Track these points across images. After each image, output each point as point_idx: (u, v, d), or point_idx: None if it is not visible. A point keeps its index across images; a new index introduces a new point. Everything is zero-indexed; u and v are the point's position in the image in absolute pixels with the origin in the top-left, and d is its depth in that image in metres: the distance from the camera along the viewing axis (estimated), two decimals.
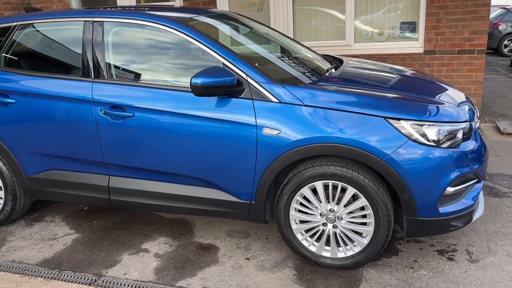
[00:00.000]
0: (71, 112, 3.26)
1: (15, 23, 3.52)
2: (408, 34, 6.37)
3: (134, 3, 7.42)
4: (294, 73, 3.19)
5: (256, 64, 3.05)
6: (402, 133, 2.66)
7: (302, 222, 3.00)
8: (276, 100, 2.85)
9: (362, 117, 2.71)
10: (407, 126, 2.67)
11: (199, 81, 2.77)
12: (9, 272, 3.15)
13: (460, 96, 3.26)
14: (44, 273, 3.11)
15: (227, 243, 3.39)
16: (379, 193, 2.75)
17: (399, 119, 2.69)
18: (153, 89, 3.10)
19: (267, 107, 2.86)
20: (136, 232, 3.62)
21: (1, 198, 3.71)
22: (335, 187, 2.84)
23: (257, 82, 2.91)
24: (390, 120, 2.69)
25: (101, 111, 3.17)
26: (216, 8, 6.96)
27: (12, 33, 3.51)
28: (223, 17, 3.75)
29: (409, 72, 3.83)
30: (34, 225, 3.83)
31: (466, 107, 3.06)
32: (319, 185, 2.85)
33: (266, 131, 2.84)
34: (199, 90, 2.79)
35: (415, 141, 2.66)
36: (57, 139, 3.35)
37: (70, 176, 3.45)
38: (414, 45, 6.33)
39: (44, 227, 3.79)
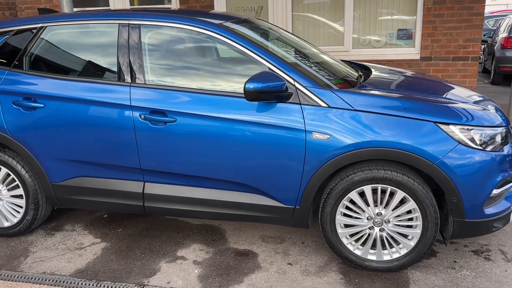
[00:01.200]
0: (106, 117, 3.16)
1: (41, 25, 3.39)
2: (405, 41, 6.55)
3: (128, 5, 7.28)
4: (334, 79, 3.21)
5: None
6: (452, 138, 2.73)
7: (347, 226, 3.02)
8: (325, 105, 2.87)
9: (412, 122, 2.77)
10: (456, 131, 2.75)
11: (252, 86, 2.76)
12: (42, 284, 3.02)
13: (489, 102, 3.38)
14: (81, 284, 2.99)
15: (264, 249, 3.37)
16: (428, 196, 2.81)
17: (448, 124, 2.76)
18: (196, 94, 3.05)
19: (316, 112, 2.87)
20: (166, 240, 3.54)
21: (21, 207, 3.55)
22: (382, 191, 2.88)
23: (304, 87, 2.92)
24: (440, 125, 2.76)
25: (140, 116, 3.09)
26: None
27: (38, 35, 3.37)
28: (248, 22, 3.74)
29: (425, 75, 3.94)
30: (55, 235, 3.68)
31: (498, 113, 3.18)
32: (367, 189, 2.88)
33: (316, 135, 2.85)
34: (252, 95, 2.78)
35: (464, 145, 2.74)
36: (88, 144, 3.24)
37: (101, 183, 3.34)
38: (411, 51, 6.51)
39: (66, 236, 3.65)
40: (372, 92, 2.99)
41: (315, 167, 2.90)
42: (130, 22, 3.21)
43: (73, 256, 3.35)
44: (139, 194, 3.28)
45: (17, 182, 3.47)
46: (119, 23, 3.23)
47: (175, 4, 7.09)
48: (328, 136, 2.83)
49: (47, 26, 3.37)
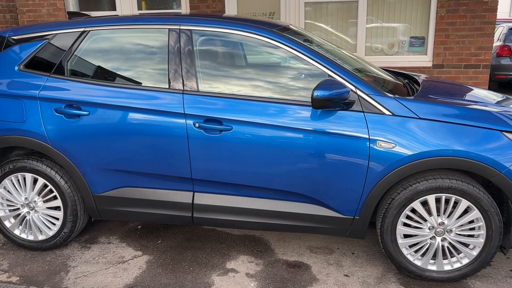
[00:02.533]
0: (156, 125, 3.04)
1: (83, 29, 3.24)
2: (417, 49, 6.60)
3: (135, 8, 7.13)
4: (391, 86, 3.18)
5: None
6: None
7: (406, 236, 2.98)
8: (389, 113, 2.83)
9: (478, 131, 2.75)
10: None
11: (320, 93, 2.70)
12: None
13: None
14: None
15: (315, 260, 3.29)
16: (493, 205, 2.79)
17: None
18: (252, 102, 2.97)
19: (380, 120, 2.83)
20: (210, 251, 3.43)
21: (57, 219, 3.38)
22: (445, 200, 2.85)
23: (367, 95, 2.87)
24: (506, 133, 2.75)
25: (194, 124, 2.98)
26: None
27: (81, 40, 3.23)
28: (291, 30, 3.68)
29: (455, 81, 3.96)
30: (92, 248, 3.52)
31: None
32: (431, 198, 2.85)
33: (381, 144, 2.80)
34: (320, 103, 2.72)
35: None
36: (136, 154, 3.11)
37: (147, 193, 3.21)
38: (423, 59, 6.57)
39: (104, 249, 3.50)
40: (434, 100, 2.96)
41: (378, 176, 2.84)
42: (181, 27, 3.11)
43: (117, 270, 3.20)
44: (188, 205, 3.17)
45: (55, 193, 3.31)
46: (169, 28, 3.12)
47: (185, 9, 6.98)
48: (394, 144, 2.79)
49: (90, 30, 3.23)
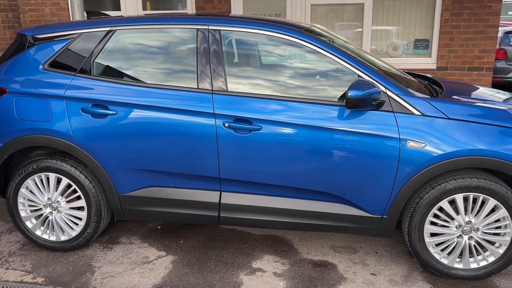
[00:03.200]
0: (185, 124, 3.04)
1: (110, 28, 3.23)
2: (421, 51, 6.68)
3: (140, 7, 7.10)
4: (415, 87, 3.22)
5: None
6: None
7: (433, 235, 3.02)
8: (419, 113, 2.87)
9: (506, 131, 2.80)
10: None
11: (355, 93, 2.73)
12: None
13: None
14: None
15: (340, 259, 3.32)
16: None
17: None
18: (282, 101, 2.99)
19: (410, 120, 2.86)
20: (234, 251, 3.44)
21: (80, 219, 3.35)
22: (473, 199, 2.90)
23: (397, 95, 2.91)
24: None
25: (224, 124, 2.99)
26: None
27: (107, 39, 3.21)
28: (315, 31, 3.71)
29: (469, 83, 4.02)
30: (114, 248, 3.50)
31: None
32: (459, 197, 2.89)
33: (411, 144, 2.84)
34: (354, 103, 2.75)
35: None
36: (163, 153, 3.11)
37: (173, 193, 3.20)
38: (428, 61, 6.65)
39: (126, 250, 3.48)
40: (461, 100, 3.01)
41: (408, 175, 2.88)
42: (210, 27, 3.11)
43: (144, 270, 3.19)
44: (215, 204, 3.17)
45: (79, 193, 3.28)
46: (197, 28, 3.12)
47: (190, 10, 6.98)
48: (424, 144, 2.83)
49: (116, 29, 3.22)
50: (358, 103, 2.76)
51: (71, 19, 7.15)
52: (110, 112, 3.10)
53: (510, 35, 10.34)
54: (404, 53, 6.76)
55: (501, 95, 3.54)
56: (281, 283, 3.02)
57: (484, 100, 3.17)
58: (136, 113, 3.08)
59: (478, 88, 3.68)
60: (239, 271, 3.16)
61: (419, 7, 6.59)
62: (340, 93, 2.99)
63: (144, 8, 7.17)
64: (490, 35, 6.42)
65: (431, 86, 3.55)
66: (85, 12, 3.91)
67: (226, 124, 2.99)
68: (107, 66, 3.21)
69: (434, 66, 6.61)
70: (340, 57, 2.98)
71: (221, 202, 3.16)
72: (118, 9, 7.17)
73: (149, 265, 3.26)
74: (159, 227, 3.85)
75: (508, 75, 10.21)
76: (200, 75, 3.07)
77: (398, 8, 6.63)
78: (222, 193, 3.16)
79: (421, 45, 6.68)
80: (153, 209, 3.26)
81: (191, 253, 3.41)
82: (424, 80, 3.80)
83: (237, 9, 6.87)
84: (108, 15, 3.88)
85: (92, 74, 3.20)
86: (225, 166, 3.06)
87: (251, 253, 3.40)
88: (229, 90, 3.05)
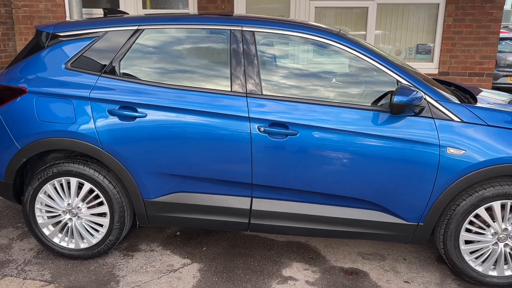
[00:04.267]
0: (217, 128, 2.94)
1: (137, 27, 3.10)
2: (423, 56, 6.72)
3: (140, 6, 6.93)
4: (450, 93, 3.20)
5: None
6: None
7: (467, 242, 3.00)
8: (458, 120, 2.85)
9: None
10: None
11: (400, 99, 2.69)
12: None
13: None
14: None
15: (371, 266, 3.27)
16: None
17: None
18: (319, 106, 2.92)
19: (450, 126, 2.84)
20: (261, 258, 3.35)
21: (101, 226, 3.21)
22: (510, 207, 2.89)
23: (436, 101, 2.88)
24: None
25: (259, 128, 2.90)
26: None
27: (135, 38, 3.08)
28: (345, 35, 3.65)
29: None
30: (135, 256, 3.37)
31: None
32: (497, 205, 2.88)
33: (451, 151, 2.81)
34: (400, 108, 2.71)
35: None
36: (193, 158, 3.00)
37: (202, 199, 3.09)
38: (430, 66, 6.70)
39: (148, 257, 3.35)
40: (499, 108, 3.00)
41: (447, 182, 2.85)
42: (243, 28, 3.02)
43: (171, 279, 3.07)
44: (245, 211, 3.08)
45: (102, 198, 3.14)
46: (230, 29, 3.03)
47: (192, 9, 6.85)
48: (464, 151, 2.80)
49: (145, 28, 3.09)
50: (403, 109, 2.71)
51: (67, 16, 6.94)
52: (139, 114, 2.97)
53: (500, 41, 10.55)
54: (407, 57, 6.78)
55: (505, 97, 3.56)
56: None
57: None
58: (166, 116, 2.96)
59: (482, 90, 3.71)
60: (270, 280, 3.07)
61: (422, 13, 6.63)
62: (379, 99, 2.94)
63: (144, 7, 7.00)
64: (491, 42, 6.51)
65: (457, 91, 3.53)
66: (102, 10, 3.74)
67: (262, 129, 2.90)
68: (135, 67, 3.08)
69: (436, 71, 6.66)
70: (380, 62, 2.94)
71: (252, 208, 3.07)
72: (117, 6, 6.97)
73: (175, 273, 3.14)
74: (178, 233, 3.73)
75: (497, 81, 10.41)
76: (233, 77, 2.98)
77: (401, 13, 6.66)
78: (253, 199, 3.07)
79: (424, 50, 6.72)
80: (180, 215, 3.14)
81: (217, 261, 3.30)
82: (449, 86, 3.79)
83: (240, 9, 6.78)
84: (127, 13, 3.74)
85: (118, 74, 3.06)
86: (258, 172, 2.97)
87: (279, 261, 3.32)
88: (264, 93, 2.96)
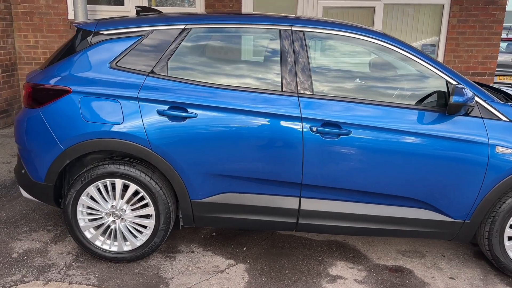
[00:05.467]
0: (268, 128, 2.94)
1: (184, 26, 3.06)
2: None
3: (146, 4, 6.83)
4: (492, 92, 3.27)
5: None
6: None
7: (510, 239, 3.08)
8: (506, 119, 2.93)
9: None
10: None
11: (457, 99, 2.75)
12: None
13: None
14: None
15: (413, 264, 3.33)
16: None
17: None
18: (371, 105, 2.95)
19: (499, 126, 2.91)
20: (304, 258, 3.36)
21: (145, 227, 3.16)
22: None
23: (485, 101, 2.95)
24: None
25: (312, 128, 2.91)
26: None
27: (182, 37, 3.04)
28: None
29: None
30: (177, 257, 3.33)
31: None
32: None
33: (500, 149, 2.88)
34: (457, 109, 2.77)
35: None
36: (244, 158, 2.99)
37: (251, 199, 3.09)
38: None
39: (191, 258, 3.32)
40: None
41: (495, 181, 2.92)
42: (293, 28, 3.02)
43: (221, 280, 3.05)
44: (294, 211, 3.08)
45: (147, 200, 3.09)
46: (280, 29, 3.02)
47: (199, 8, 6.79)
48: None
49: (192, 27, 3.06)
50: (459, 108, 2.77)
51: (69, 13, 6.78)
52: (190, 115, 2.94)
53: None
54: None
55: None
56: None
57: None
58: (217, 116, 2.94)
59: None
60: (319, 279, 3.09)
61: (427, 13, 6.75)
62: (428, 99, 2.99)
63: (149, 4, 6.90)
64: (493, 42, 6.69)
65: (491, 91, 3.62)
66: (135, 7, 3.67)
67: (314, 129, 2.91)
68: (183, 66, 3.04)
69: None
70: (429, 62, 2.99)
71: (301, 208, 3.08)
72: (121, 3, 6.86)
73: (223, 274, 3.12)
74: (214, 233, 3.71)
75: None
76: (284, 77, 2.97)
77: (407, 13, 6.77)
78: (302, 199, 3.08)
79: (428, 50, 6.85)
80: (227, 215, 3.13)
81: (261, 261, 3.30)
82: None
83: (247, 7, 6.76)
84: (161, 11, 3.69)
85: (167, 74, 3.01)
86: (309, 171, 2.98)
87: (322, 260, 3.34)
88: (315, 93, 2.97)
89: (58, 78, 3.04)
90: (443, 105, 2.96)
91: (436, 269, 3.26)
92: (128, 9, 6.79)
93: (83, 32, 3.13)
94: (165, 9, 6.87)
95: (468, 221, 3.04)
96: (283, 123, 2.93)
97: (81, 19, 6.29)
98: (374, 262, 3.33)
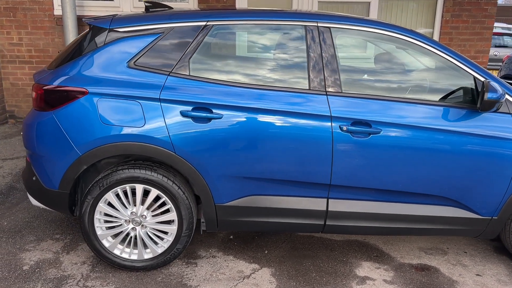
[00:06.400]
0: (296, 128, 2.85)
1: (206, 23, 2.92)
2: None
3: (136, 0, 6.61)
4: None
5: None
6: None
7: None
8: None
9: None
10: None
11: (492, 96, 2.72)
12: None
13: None
14: None
15: (437, 261, 3.31)
16: None
17: None
18: (401, 103, 2.90)
19: None
20: (328, 259, 3.29)
21: (166, 233, 3.03)
22: None
23: None
24: None
25: (341, 127, 2.83)
26: None
27: (204, 34, 2.91)
28: None
29: None
30: (198, 263, 3.21)
31: None
32: None
33: None
34: (490, 105, 2.74)
35: None
36: (272, 159, 2.89)
37: (277, 201, 2.99)
38: None
39: (213, 264, 3.20)
40: None
41: None
42: (319, 24, 2.93)
43: (248, 287, 2.95)
44: (321, 212, 3.01)
45: (169, 205, 2.95)
46: (305, 25, 2.93)
47: (192, 4, 6.61)
48: None
49: (214, 24, 2.92)
50: (493, 105, 2.74)
51: (55, 9, 6.51)
52: (215, 115, 2.82)
53: None
54: None
55: None
56: None
57: None
58: (243, 117, 2.83)
59: None
60: (348, 281, 3.03)
61: (421, 8, 6.77)
62: (453, 95, 2.95)
63: None
64: (485, 37, 6.77)
65: None
66: (144, 3, 3.50)
67: (344, 128, 2.83)
68: (205, 65, 2.91)
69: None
70: (457, 58, 2.95)
71: (329, 209, 3.00)
72: None
73: (249, 279, 3.02)
74: (231, 237, 3.60)
75: None
76: (311, 75, 2.88)
77: (401, 8, 6.77)
78: (330, 200, 3.00)
79: None
80: (252, 219, 3.03)
81: (285, 264, 3.21)
82: None
83: (241, 4, 6.63)
84: (171, 7, 3.53)
85: (189, 73, 2.88)
86: (338, 172, 2.91)
87: (347, 261, 3.28)
88: (343, 91, 2.89)
89: (72, 78, 2.86)
90: (470, 102, 2.92)
91: (461, 266, 3.25)
92: (118, 5, 6.56)
93: (96, 29, 2.96)
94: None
95: (496, 217, 3.03)
96: (312, 123, 2.84)
97: (69, 15, 6.04)
98: (399, 261, 3.29)
